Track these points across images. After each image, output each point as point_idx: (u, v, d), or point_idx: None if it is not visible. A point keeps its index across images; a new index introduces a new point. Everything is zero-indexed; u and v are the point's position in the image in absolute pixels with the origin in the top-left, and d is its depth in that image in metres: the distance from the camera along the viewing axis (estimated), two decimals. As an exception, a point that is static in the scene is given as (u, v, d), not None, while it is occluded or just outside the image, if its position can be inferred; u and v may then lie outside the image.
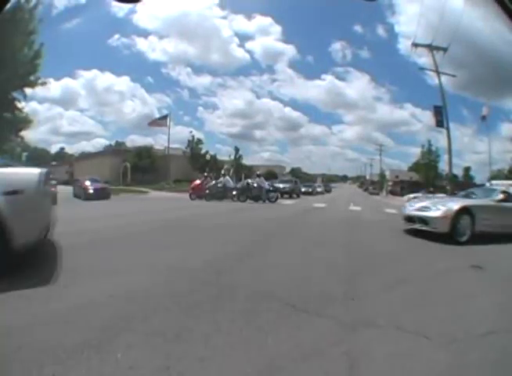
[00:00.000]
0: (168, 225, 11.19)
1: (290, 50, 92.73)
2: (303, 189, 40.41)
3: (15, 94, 30.13)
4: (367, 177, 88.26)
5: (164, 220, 12.53)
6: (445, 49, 38.96)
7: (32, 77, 30.14)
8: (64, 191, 25.21)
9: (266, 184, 25.75)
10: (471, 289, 5.37)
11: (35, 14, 29.61)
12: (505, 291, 5.25)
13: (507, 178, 37.77)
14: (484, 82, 67.04)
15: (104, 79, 77.67)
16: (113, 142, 68.32)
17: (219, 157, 52.35)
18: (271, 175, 47.28)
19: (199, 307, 3.92)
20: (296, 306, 4.00)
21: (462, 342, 3.32)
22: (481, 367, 2.91)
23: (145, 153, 50.14)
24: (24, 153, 53.99)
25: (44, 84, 31.79)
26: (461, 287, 5.42)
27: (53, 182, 23.65)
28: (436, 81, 42.35)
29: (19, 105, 30.73)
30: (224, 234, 9.70)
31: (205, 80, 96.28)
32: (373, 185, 71.91)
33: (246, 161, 55.88)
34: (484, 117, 42.95)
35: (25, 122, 31.66)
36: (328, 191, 55.88)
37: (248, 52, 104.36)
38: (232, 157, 53.59)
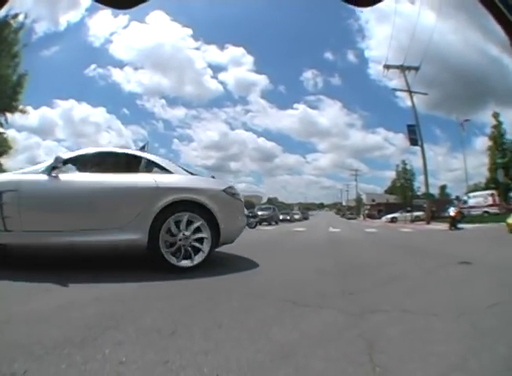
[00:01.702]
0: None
1: (262, 80, 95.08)
2: (281, 217, 40.71)
3: None
4: (343, 203, 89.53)
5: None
6: (416, 68, 40.38)
7: (13, 103, 29.98)
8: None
9: (245, 210, 25.53)
10: (465, 278, 5.55)
11: (19, 37, 29.72)
12: (494, 276, 5.43)
13: (484, 190, 38.59)
14: (456, 98, 69.28)
15: (81, 109, 78.10)
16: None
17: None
18: (248, 204, 47.23)
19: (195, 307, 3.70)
20: (296, 302, 3.80)
21: (470, 314, 3.36)
22: (494, 332, 2.89)
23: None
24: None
25: (24, 111, 31.70)
26: (455, 277, 5.59)
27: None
28: (408, 103, 43.75)
29: (0, 129, 30.55)
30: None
31: (179, 112, 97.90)
32: (349, 210, 72.61)
33: (222, 193, 55.84)
34: (462, 125, 43.85)
35: (5, 147, 31.19)
36: (306, 218, 56.11)
37: (221, 83, 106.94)
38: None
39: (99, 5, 0.97)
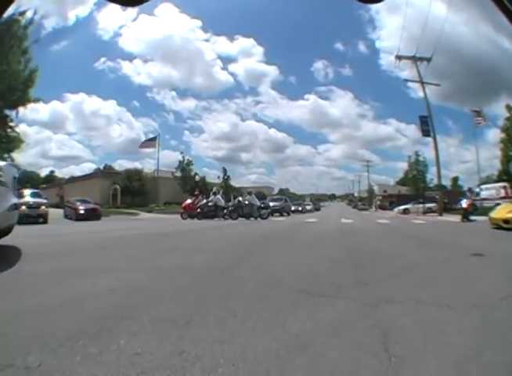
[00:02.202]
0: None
1: (272, 71, 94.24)
2: (293, 208, 40.39)
3: (7, 112, 30.13)
4: (355, 194, 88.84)
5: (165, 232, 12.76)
6: (428, 59, 39.67)
7: (25, 98, 30.21)
8: (55, 213, 25.07)
9: (257, 201, 25.67)
10: (477, 269, 5.52)
11: (28, 33, 29.87)
12: (507, 269, 5.36)
13: (496, 182, 38.07)
14: (469, 89, 68.34)
15: (91, 103, 78.06)
16: (101, 167, 68.15)
17: (207, 180, 52.13)
18: (260, 196, 47.32)
19: (210, 297, 3.75)
20: (310, 292, 3.83)
21: (483, 307, 3.35)
22: (505, 323, 2.90)
23: (135, 175, 49.90)
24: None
25: (37, 101, 31.87)
26: (467, 269, 5.58)
27: (45, 200, 23.60)
28: (419, 93, 43.19)
29: (12, 124, 30.79)
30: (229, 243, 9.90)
31: (190, 104, 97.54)
32: (361, 201, 72.21)
33: (234, 184, 55.94)
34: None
35: (17, 141, 31.48)
36: (317, 209, 55.85)
37: (231, 74, 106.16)
38: (221, 179, 53.51)
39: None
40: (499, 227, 13.50)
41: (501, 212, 14.60)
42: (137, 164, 62.57)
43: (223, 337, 2.54)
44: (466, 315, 3.10)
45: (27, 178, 63.88)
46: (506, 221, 13.51)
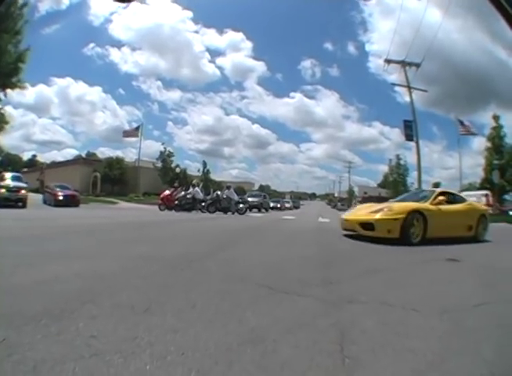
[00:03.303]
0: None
1: (259, 67, 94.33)
2: (271, 205, 40.65)
3: None
4: (335, 194, 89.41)
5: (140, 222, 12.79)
6: (418, 65, 40.18)
7: (14, 79, 29.83)
8: (34, 198, 24.89)
9: (236, 196, 25.69)
10: (451, 275, 5.51)
11: (23, 13, 29.52)
12: (483, 275, 5.45)
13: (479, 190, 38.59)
14: (457, 97, 69.14)
15: (77, 88, 77.21)
16: (83, 154, 67.62)
17: (188, 173, 52.00)
18: (240, 191, 47.31)
19: (173, 287, 3.75)
20: (273, 288, 3.80)
21: (454, 312, 3.29)
22: (477, 332, 2.83)
23: (115, 164, 49.57)
24: (-2, 158, 52.85)
25: (24, 87, 31.58)
26: (440, 273, 5.57)
27: (25, 184, 23.34)
28: (406, 98, 43.48)
29: (-1, 105, 30.45)
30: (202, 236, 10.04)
31: (175, 95, 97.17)
32: (341, 201, 72.58)
33: (214, 178, 56.14)
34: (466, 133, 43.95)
35: (2, 122, 31.11)
36: (296, 207, 55.94)
37: (219, 67, 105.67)
38: (201, 172, 53.47)
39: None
40: (353, 234, 10.06)
41: (360, 213, 10.61)
42: (119, 153, 62.26)
43: (178, 326, 2.55)
44: (434, 319, 3.06)
45: (8, 161, 63.01)
46: (365, 225, 9.56)
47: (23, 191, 21.99)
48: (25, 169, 56.65)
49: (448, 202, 10.68)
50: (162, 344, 2.25)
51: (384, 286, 4.33)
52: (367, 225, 9.53)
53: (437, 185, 58.95)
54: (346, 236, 10.26)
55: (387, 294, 3.80)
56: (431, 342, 2.52)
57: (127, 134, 53.39)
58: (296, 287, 3.91)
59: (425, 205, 10.03)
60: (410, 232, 9.20)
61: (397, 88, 50.97)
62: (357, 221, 10.04)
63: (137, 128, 52.77)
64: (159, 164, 50.38)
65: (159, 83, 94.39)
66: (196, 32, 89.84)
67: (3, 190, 21.31)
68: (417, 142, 39.61)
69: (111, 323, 2.57)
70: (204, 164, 55.92)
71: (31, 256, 4.93)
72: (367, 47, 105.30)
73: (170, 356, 2.09)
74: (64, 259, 4.89)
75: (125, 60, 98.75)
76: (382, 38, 75.92)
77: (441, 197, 10.46)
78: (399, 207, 9.84)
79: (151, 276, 4.18)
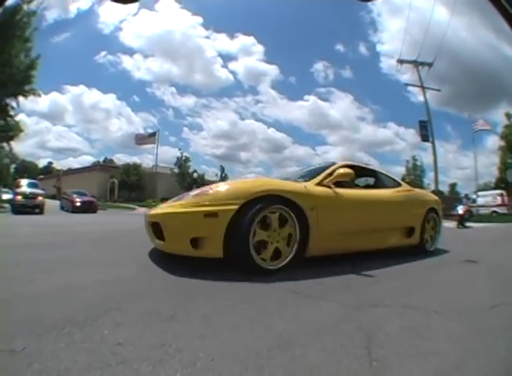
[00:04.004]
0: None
1: (272, 70, 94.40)
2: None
3: (8, 100, 30.27)
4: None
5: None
6: (430, 64, 39.95)
7: (27, 87, 30.30)
8: (52, 204, 25.13)
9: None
10: (469, 276, 5.40)
11: (32, 20, 30.02)
12: (501, 277, 5.32)
13: (494, 189, 38.13)
14: (468, 95, 68.36)
15: (91, 96, 78.51)
16: (100, 160, 68.41)
17: (206, 178, 52.16)
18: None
19: (197, 292, 3.69)
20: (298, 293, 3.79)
21: (472, 313, 3.32)
22: (495, 332, 2.86)
23: (133, 170, 50.14)
24: (13, 165, 53.61)
25: (38, 94, 32.07)
26: (457, 275, 5.42)
27: (42, 191, 23.67)
28: (419, 98, 43.47)
29: (12, 113, 30.97)
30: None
31: (189, 100, 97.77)
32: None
33: (231, 182, 56.05)
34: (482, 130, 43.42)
35: (16, 130, 31.63)
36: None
37: (231, 72, 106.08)
38: (218, 177, 53.58)
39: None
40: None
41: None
42: (135, 159, 63.05)
43: (205, 332, 2.54)
44: (454, 321, 3.07)
45: (24, 169, 64.00)
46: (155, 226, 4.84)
47: (40, 198, 22.39)
48: (41, 176, 57.57)
49: (367, 187, 7.44)
50: (191, 350, 2.25)
51: (404, 289, 4.31)
52: (156, 226, 4.84)
53: (453, 186, 58.52)
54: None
55: (407, 298, 3.77)
56: (452, 344, 2.56)
57: (140, 141, 53.72)
58: (318, 292, 3.90)
59: (303, 186, 5.30)
60: (251, 242, 4.43)
61: (410, 88, 50.70)
62: (150, 219, 5.10)
63: (151, 135, 53.13)
64: (176, 170, 50.61)
65: (173, 89, 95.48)
66: (207, 37, 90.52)
67: (20, 197, 21.72)
68: (433, 143, 39.29)
69: (137, 330, 2.55)
70: (222, 168, 56.06)
71: (49, 263, 4.89)
72: (378, 47, 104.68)
73: (199, 363, 2.09)
74: (83, 265, 4.89)
75: (138, 67, 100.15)
76: (392, 38, 75.68)
77: (342, 172, 5.68)
78: (235, 188, 4.78)
79: (174, 281, 4.13)
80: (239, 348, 2.29)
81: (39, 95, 32.47)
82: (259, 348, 2.31)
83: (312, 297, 3.66)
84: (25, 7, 29.52)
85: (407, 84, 49.80)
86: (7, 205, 25.64)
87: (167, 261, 5.04)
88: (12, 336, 2.30)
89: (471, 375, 2.17)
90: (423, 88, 40.40)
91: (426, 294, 4.02)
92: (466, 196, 34.97)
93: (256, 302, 3.39)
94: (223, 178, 53.32)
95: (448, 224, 24.36)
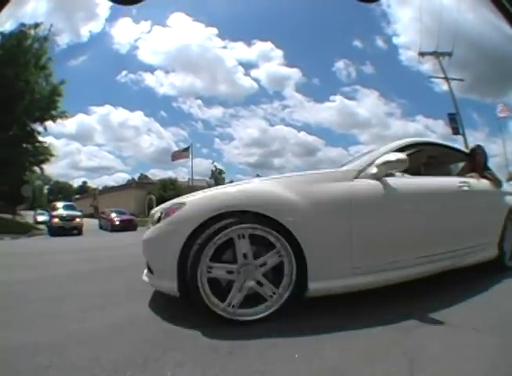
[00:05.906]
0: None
1: (295, 74, 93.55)
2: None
3: (34, 126, 30.95)
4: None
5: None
6: (450, 54, 38.89)
7: (53, 112, 30.89)
8: (90, 223, 25.29)
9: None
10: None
11: (45, 48, 30.54)
12: None
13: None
14: (489, 79, 66.16)
15: (118, 115, 79.92)
16: (135, 177, 69.42)
17: (242, 187, 52.22)
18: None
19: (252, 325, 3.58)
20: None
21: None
22: None
23: (169, 184, 50.42)
24: (46, 186, 54.67)
25: (65, 117, 32.63)
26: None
27: (79, 213, 24.13)
28: (443, 87, 42.22)
29: (40, 138, 31.64)
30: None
31: (217, 111, 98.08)
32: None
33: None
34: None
35: (46, 154, 32.26)
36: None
37: (255, 80, 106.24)
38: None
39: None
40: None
41: None
42: (170, 173, 63.49)
43: (264, 368, 2.56)
44: (492, 337, 3.10)
45: (58, 189, 65.47)
46: None
47: (77, 219, 22.74)
48: (77, 196, 58.58)
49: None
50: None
51: (441, 305, 3.99)
52: None
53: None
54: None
55: (446, 314, 3.69)
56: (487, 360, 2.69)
57: (176, 157, 54.13)
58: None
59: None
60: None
61: (432, 79, 49.52)
62: None
63: (185, 150, 53.49)
64: (213, 182, 50.79)
65: (199, 101, 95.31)
66: (225, 47, 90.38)
67: (56, 219, 22.18)
68: (464, 135, 38.35)
69: (199, 368, 2.56)
70: (258, 177, 56.11)
71: (98, 296, 4.79)
72: (394, 40, 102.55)
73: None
74: (135, 298, 4.64)
75: (161, 83, 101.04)
76: (406, 28, 73.91)
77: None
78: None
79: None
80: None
81: (66, 118, 33.35)
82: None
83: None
84: (32, 32, 30.25)
85: (431, 77, 48.54)
86: (43, 226, 26.10)
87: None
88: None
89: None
90: (447, 79, 39.61)
91: (462, 309, 3.88)
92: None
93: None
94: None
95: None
